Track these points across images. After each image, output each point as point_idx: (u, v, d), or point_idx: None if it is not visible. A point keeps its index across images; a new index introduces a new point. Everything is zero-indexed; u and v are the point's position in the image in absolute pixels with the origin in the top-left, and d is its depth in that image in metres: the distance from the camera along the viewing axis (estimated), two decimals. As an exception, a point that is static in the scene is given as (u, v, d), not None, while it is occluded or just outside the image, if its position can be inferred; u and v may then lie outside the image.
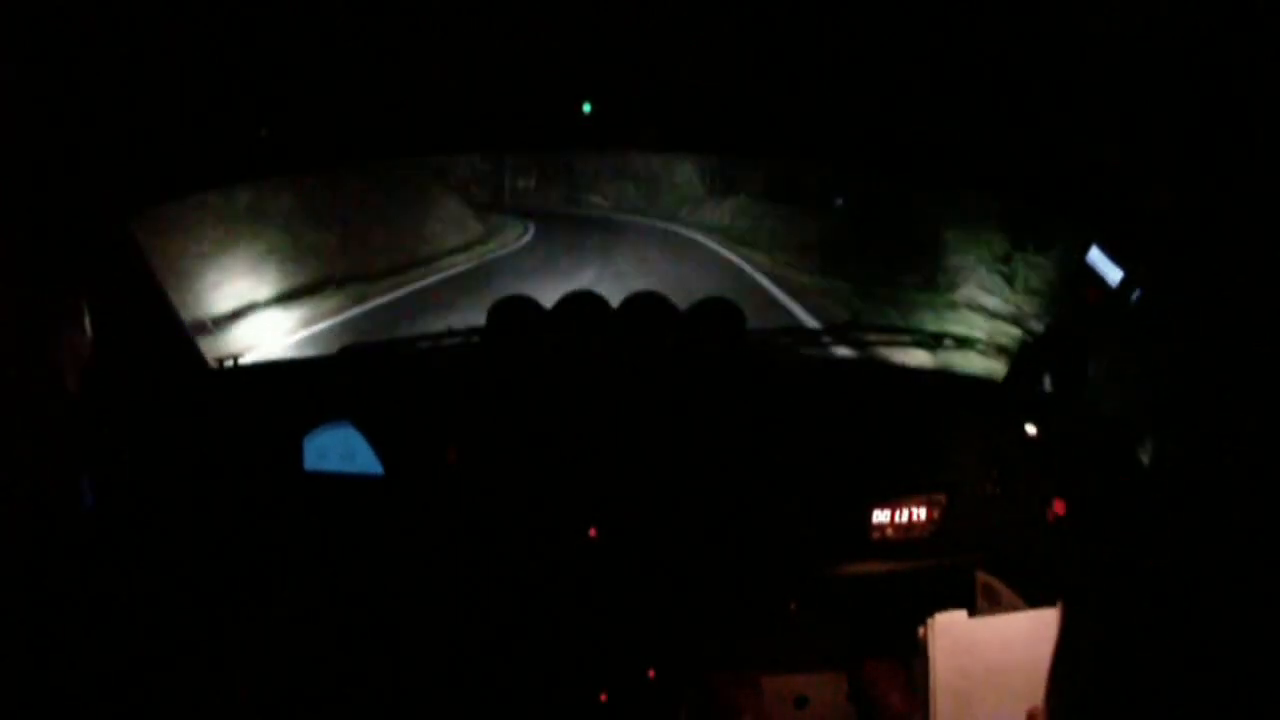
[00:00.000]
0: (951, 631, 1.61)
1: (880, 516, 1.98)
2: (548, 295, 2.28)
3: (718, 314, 2.32)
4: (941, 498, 1.99)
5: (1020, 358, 2.18)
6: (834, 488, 1.99)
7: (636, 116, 1.91)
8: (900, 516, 1.98)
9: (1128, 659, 1.17)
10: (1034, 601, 1.85)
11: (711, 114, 1.88)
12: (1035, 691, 1.60)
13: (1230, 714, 1.04)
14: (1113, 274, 1.68)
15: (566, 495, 1.97)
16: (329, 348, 2.32)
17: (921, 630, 1.63)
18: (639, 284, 2.50)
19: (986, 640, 1.61)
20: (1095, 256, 1.73)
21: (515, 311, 2.29)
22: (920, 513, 1.98)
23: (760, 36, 1.67)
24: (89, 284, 1.67)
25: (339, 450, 1.97)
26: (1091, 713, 1.25)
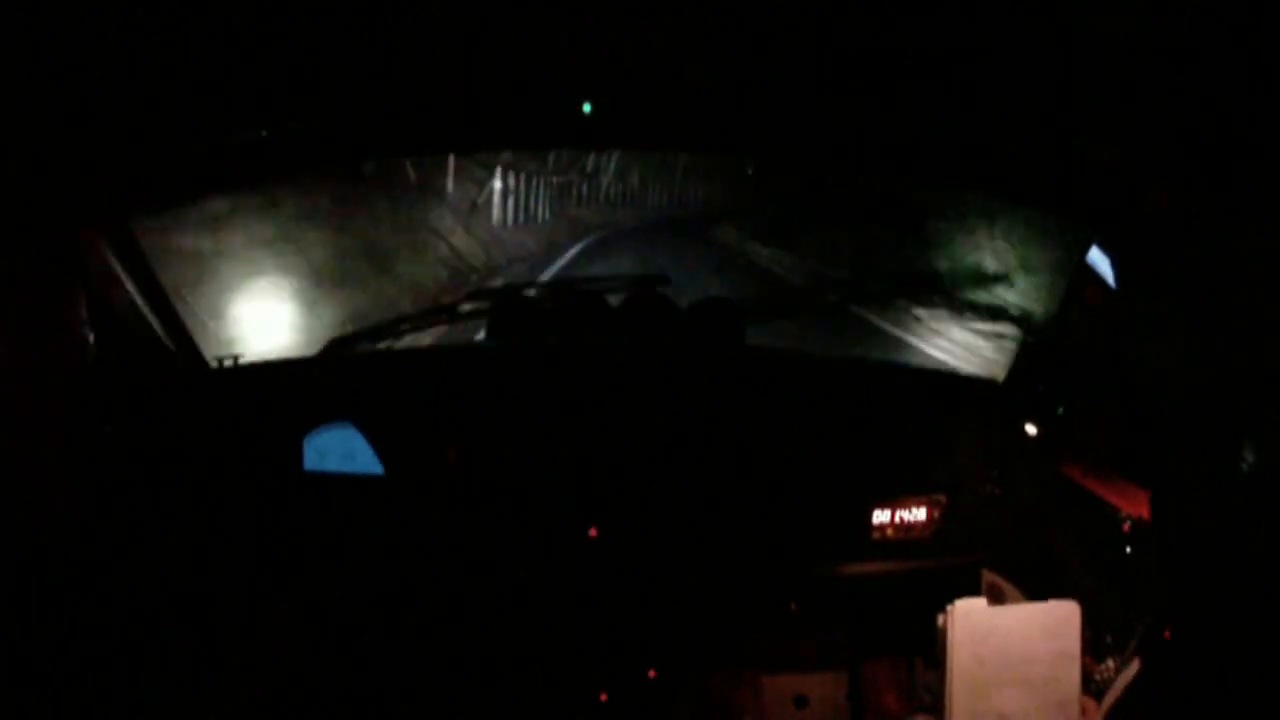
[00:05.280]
0: (970, 619, 1.62)
1: (880, 516, 1.98)
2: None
3: (718, 313, 2.32)
4: (942, 498, 1.99)
5: (1020, 358, 2.18)
6: (834, 488, 1.99)
7: (636, 116, 1.91)
8: (900, 516, 1.98)
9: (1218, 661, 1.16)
10: (1039, 600, 1.85)
11: (712, 114, 1.88)
12: (1050, 682, 1.61)
13: None
14: (1113, 274, 1.68)
15: (566, 495, 1.97)
16: (329, 348, 2.32)
17: (941, 618, 1.64)
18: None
19: (1005, 629, 1.62)
20: (1095, 256, 1.73)
21: (515, 309, 2.29)
22: (920, 513, 1.98)
23: (760, 36, 1.67)
24: (89, 284, 1.67)
25: (339, 450, 1.97)
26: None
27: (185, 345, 1.99)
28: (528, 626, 2.05)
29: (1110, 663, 1.61)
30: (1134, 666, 1.48)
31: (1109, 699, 1.55)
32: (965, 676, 1.62)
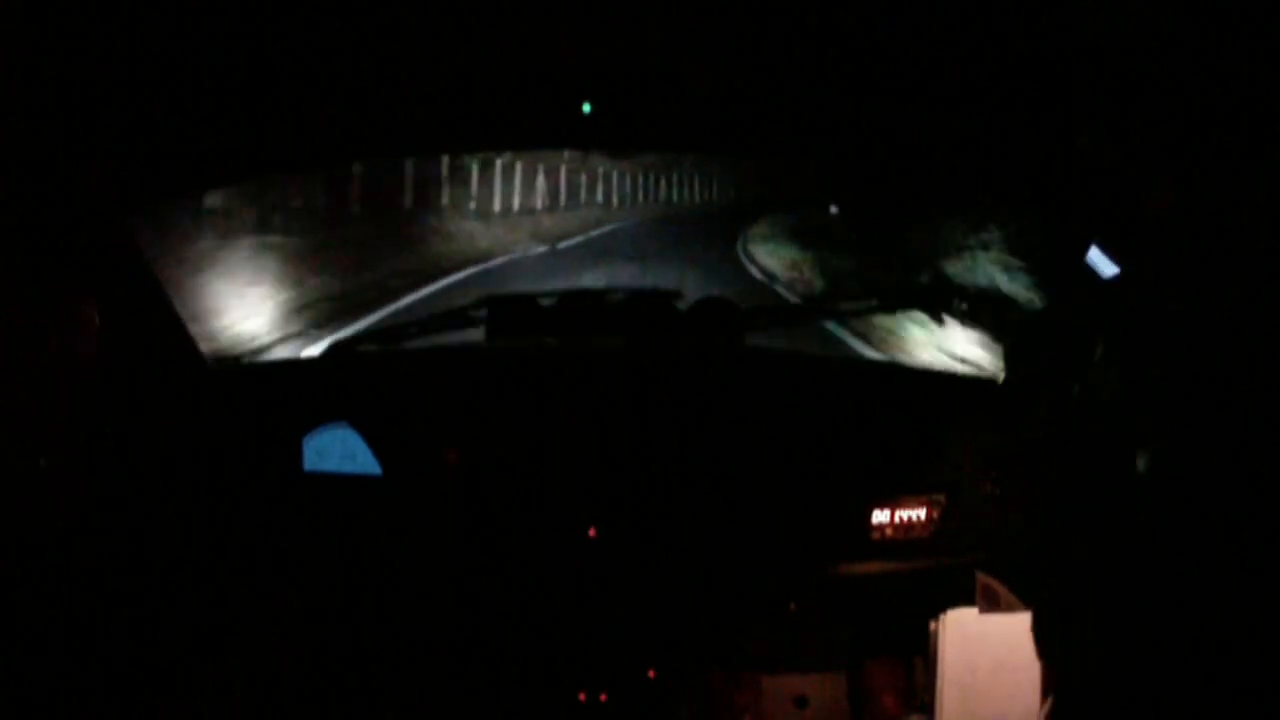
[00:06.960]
0: (962, 627, 1.62)
1: (880, 516, 1.98)
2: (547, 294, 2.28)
3: (718, 313, 2.32)
4: (941, 498, 1.99)
5: (1019, 357, 2.17)
6: (834, 488, 1.99)
7: (636, 116, 1.91)
8: (900, 516, 1.98)
9: (1119, 661, 1.17)
10: (1032, 604, 1.85)
11: (712, 114, 1.88)
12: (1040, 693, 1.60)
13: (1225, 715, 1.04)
14: (1112, 274, 1.68)
15: (566, 495, 1.97)
16: (330, 348, 2.32)
17: (933, 624, 1.63)
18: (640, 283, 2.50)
19: (997, 638, 1.62)
20: (1095, 256, 1.73)
21: (514, 311, 2.29)
22: (920, 513, 1.98)
23: (760, 37, 1.67)
24: (89, 284, 1.67)
25: (339, 450, 1.97)
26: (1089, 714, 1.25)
27: (185, 345, 1.99)
28: (528, 627, 2.05)
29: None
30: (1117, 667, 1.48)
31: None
32: (956, 683, 1.62)
